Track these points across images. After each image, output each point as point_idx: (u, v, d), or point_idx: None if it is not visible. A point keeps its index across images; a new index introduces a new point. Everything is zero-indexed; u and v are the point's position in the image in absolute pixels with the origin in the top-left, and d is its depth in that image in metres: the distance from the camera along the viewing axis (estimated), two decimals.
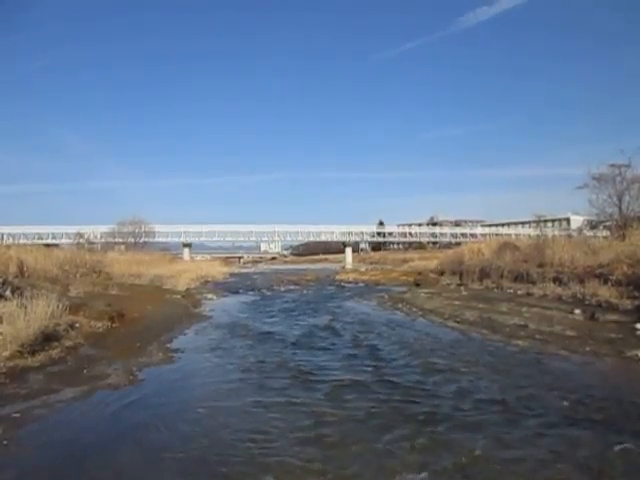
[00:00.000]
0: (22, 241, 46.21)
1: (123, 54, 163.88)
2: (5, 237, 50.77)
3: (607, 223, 24.89)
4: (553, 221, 56.94)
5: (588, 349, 9.58)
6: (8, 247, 18.85)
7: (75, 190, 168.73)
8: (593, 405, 6.32)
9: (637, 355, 8.88)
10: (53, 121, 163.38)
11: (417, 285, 26.13)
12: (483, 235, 67.11)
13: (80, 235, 41.21)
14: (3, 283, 11.48)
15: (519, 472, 4.52)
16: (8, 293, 10.72)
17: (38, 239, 53.40)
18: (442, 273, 27.91)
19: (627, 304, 12.81)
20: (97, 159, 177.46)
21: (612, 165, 23.37)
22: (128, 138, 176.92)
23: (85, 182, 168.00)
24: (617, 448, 4.87)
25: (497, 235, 56.38)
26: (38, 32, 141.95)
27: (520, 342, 10.56)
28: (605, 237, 22.49)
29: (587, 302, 14.13)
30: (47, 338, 9.07)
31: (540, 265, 18.97)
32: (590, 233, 25.54)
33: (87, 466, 4.72)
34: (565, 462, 4.66)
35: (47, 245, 32.92)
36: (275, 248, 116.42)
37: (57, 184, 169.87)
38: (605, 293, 13.94)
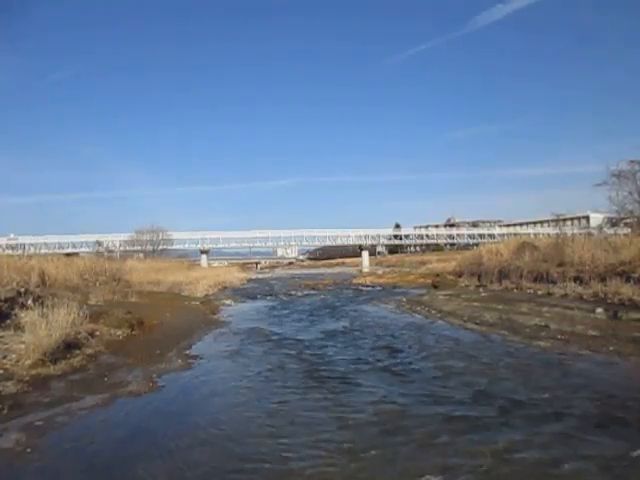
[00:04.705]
0: (43, 251, 46.93)
1: (139, 61, 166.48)
2: (27, 247, 51.71)
3: (628, 220, 24.42)
4: (572, 219, 55.96)
5: (611, 349, 9.38)
6: (30, 257, 19.17)
7: (94, 199, 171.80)
8: (617, 406, 6.17)
9: None
10: (71, 131, 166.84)
11: (435, 287, 25.92)
12: (501, 235, 66.40)
13: (99, 244, 41.98)
14: (25, 292, 11.69)
15: (541, 475, 4.44)
16: (30, 302, 10.90)
17: (59, 248, 54.34)
18: (460, 275, 27.61)
19: None
20: (115, 168, 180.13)
21: (632, 161, 23.02)
22: (145, 146, 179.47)
23: (103, 191, 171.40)
24: None
25: (515, 235, 55.65)
26: (54, 41, 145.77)
27: (541, 343, 10.40)
28: (626, 234, 22.05)
29: (609, 301, 13.84)
30: (68, 346, 9.17)
31: (560, 264, 18.63)
32: (610, 231, 25.04)
33: (108, 475, 4.76)
34: (587, 465, 4.55)
35: (67, 254, 33.51)
36: (292, 253, 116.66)
37: (76, 194, 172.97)
38: (628, 291, 13.64)
